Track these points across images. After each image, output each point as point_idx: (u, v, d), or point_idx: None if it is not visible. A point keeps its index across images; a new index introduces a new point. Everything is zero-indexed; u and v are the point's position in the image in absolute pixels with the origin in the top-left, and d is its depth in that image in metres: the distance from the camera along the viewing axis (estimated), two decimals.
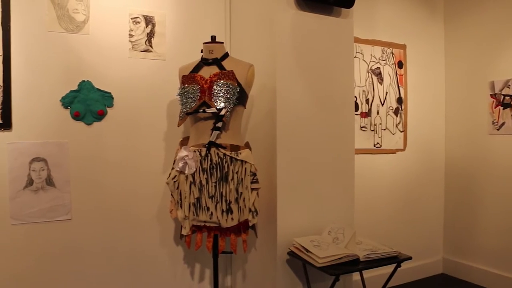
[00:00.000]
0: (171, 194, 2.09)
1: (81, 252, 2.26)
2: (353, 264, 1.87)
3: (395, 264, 1.97)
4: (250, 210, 2.00)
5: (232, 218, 1.96)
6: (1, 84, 2.09)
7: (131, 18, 2.32)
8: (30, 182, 2.14)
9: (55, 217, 2.19)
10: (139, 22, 2.33)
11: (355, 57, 2.87)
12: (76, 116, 2.21)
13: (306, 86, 2.16)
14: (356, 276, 2.24)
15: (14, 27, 2.10)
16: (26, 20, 2.12)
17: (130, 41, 2.32)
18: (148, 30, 2.36)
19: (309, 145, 2.18)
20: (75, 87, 2.20)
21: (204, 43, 2.10)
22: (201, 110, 1.96)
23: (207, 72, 2.02)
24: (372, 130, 3.09)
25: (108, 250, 2.31)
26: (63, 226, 2.21)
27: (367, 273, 2.20)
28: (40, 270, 2.18)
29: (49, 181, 2.17)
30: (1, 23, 2.08)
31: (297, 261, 2.04)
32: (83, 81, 2.22)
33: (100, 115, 2.25)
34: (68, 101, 2.19)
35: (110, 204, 2.30)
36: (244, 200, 1.97)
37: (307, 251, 1.93)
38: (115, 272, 2.34)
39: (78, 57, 2.22)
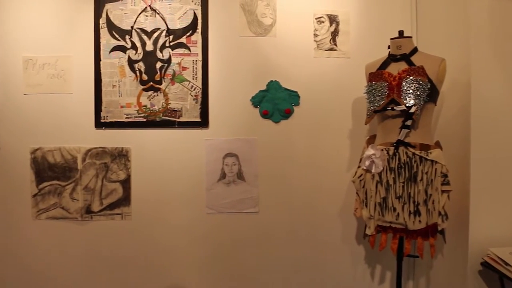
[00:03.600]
0: (357, 193, 2.50)
1: (267, 243, 2.85)
2: None
3: None
4: (439, 213, 2.25)
5: (419, 221, 2.26)
6: (200, 87, 2.94)
7: (316, 18, 2.91)
8: (223, 175, 2.93)
9: (244, 209, 2.91)
10: (323, 22, 2.96)
11: None
12: (265, 115, 2.91)
13: (507, 80, 2.35)
14: None
15: (211, 34, 2.83)
16: (221, 28, 2.81)
17: (315, 40, 2.89)
18: (332, 29, 2.93)
19: (510, 144, 2.36)
20: (263, 87, 2.85)
21: (391, 39, 2.44)
22: (389, 108, 2.31)
23: (395, 68, 2.35)
24: None
25: (292, 243, 2.86)
26: (251, 217, 2.86)
27: None
28: (228, 255, 2.85)
29: (240, 175, 2.94)
30: (201, 32, 2.93)
31: (493, 273, 2.20)
32: (271, 81, 2.85)
33: (287, 114, 2.91)
34: (257, 100, 2.90)
35: (295, 199, 2.85)
36: (433, 203, 2.24)
37: (506, 264, 2.06)
38: (298, 265, 2.87)
39: (266, 59, 2.86)
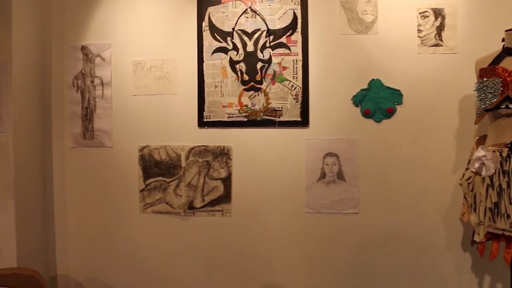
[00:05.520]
0: (464, 196, 2.47)
1: (366, 245, 2.91)
2: None
3: None
4: None
5: None
6: (301, 86, 3.09)
7: (419, 13, 2.90)
8: (323, 175, 3.05)
9: (343, 210, 3.00)
10: (427, 16, 2.97)
11: None
12: (366, 114, 2.98)
13: None
14: None
15: (311, 34, 2.93)
16: (321, 27, 2.91)
17: (418, 36, 2.88)
18: (437, 23, 2.91)
19: None
20: (365, 86, 2.91)
21: (506, 31, 2.37)
22: (503, 106, 2.26)
23: (511, 63, 2.31)
24: None
25: (392, 246, 2.89)
26: (350, 218, 2.94)
27: None
28: (326, 256, 2.96)
29: (340, 175, 3.05)
30: (301, 31, 3.07)
31: None
32: (373, 79, 2.89)
33: (389, 113, 2.95)
34: (358, 100, 2.96)
35: (397, 201, 2.88)
36: None
37: None
38: (397, 269, 2.89)
39: (367, 57, 2.91)
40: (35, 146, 3.09)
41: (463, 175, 2.44)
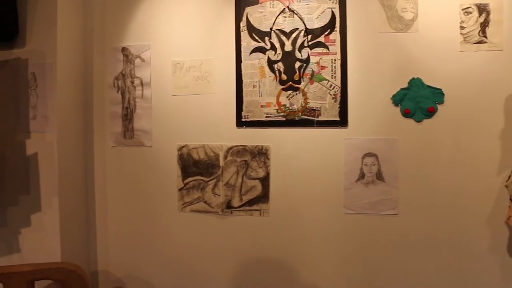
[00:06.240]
0: (510, 199, 2.45)
1: (404, 247, 2.89)
2: None
3: None
4: None
5: None
6: (339, 85, 3.09)
7: (462, 9, 2.85)
8: (361, 175, 3.06)
9: (382, 211, 3.01)
10: (471, 12, 2.92)
11: None
12: (406, 114, 2.97)
13: None
14: None
15: (350, 32, 2.94)
16: (359, 25, 2.90)
17: (461, 33, 2.84)
18: (481, 19, 2.86)
19: None
20: (405, 85, 2.88)
21: None
22: None
23: None
24: None
25: (432, 248, 2.85)
26: (389, 219, 2.93)
27: None
28: (364, 257, 2.95)
29: (379, 176, 3.06)
30: (340, 30, 3.09)
31: None
32: (413, 78, 2.87)
33: (430, 112, 2.94)
34: (398, 99, 2.96)
35: (438, 203, 2.83)
36: None
37: None
38: (437, 274, 2.86)
39: (407, 55, 2.89)
40: (78, 145, 3.22)
41: (509, 176, 2.43)
